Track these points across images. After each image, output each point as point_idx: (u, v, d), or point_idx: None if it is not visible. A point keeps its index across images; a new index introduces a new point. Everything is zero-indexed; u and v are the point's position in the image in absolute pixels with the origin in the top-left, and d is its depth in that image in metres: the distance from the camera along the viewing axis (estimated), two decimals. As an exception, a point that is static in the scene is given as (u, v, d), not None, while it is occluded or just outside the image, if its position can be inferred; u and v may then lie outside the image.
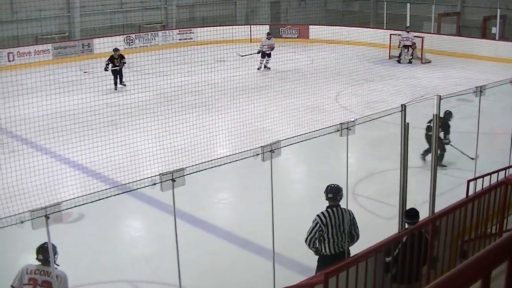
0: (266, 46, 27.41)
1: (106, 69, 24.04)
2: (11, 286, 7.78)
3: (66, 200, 6.62)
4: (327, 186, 8.88)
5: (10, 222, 6.14)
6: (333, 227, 8.62)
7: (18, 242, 10.78)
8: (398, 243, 7.60)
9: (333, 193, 8.80)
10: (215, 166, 7.43)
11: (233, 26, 32.59)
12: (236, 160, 7.60)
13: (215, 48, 26.41)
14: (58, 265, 7.56)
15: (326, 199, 8.84)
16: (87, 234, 11.77)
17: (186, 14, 38.28)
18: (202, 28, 35.04)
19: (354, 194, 13.08)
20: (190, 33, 35.70)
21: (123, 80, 24.65)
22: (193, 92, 20.39)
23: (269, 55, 27.58)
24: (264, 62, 27.57)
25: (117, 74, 24.47)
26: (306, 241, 8.71)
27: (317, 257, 8.92)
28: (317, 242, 8.70)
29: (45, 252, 7.44)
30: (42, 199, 11.00)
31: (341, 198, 8.83)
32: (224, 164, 7.51)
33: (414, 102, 9.62)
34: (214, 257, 10.94)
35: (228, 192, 14.63)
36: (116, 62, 24.33)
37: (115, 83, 24.36)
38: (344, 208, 8.79)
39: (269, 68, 27.55)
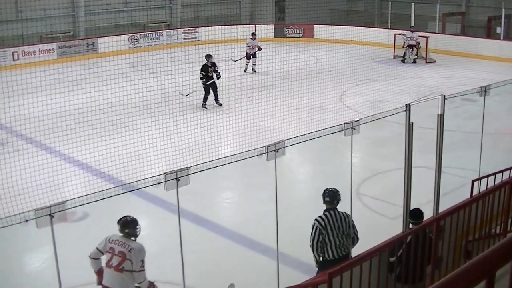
0: (251, 47, 27.01)
1: (205, 84, 20.77)
2: (96, 247, 8.29)
3: (71, 199, 6.63)
4: (324, 190, 8.87)
5: (14, 221, 6.15)
6: (333, 229, 8.60)
7: (22, 240, 10.80)
8: (402, 243, 7.60)
9: (330, 196, 8.79)
10: (219, 166, 7.43)
11: (238, 26, 32.60)
12: (241, 160, 7.60)
13: (220, 47, 26.41)
14: (134, 239, 8.13)
15: (323, 203, 8.83)
16: (91, 233, 11.76)
17: (191, 13, 38.30)
18: (206, 28, 35.05)
19: (358, 193, 13.08)
20: (194, 32, 35.72)
21: (218, 96, 21.03)
22: (198, 92, 20.41)
23: (254, 55, 27.13)
24: (250, 63, 27.15)
25: (211, 88, 20.96)
26: (312, 248, 8.71)
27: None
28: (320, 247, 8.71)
29: (122, 226, 8.14)
30: (47, 198, 11.01)
31: (338, 202, 8.82)
32: (229, 163, 7.51)
33: (418, 101, 9.64)
34: (218, 257, 10.96)
35: (232, 191, 14.64)
36: (209, 72, 20.90)
37: (205, 99, 20.86)
38: (341, 212, 8.78)
39: (255, 71, 27.05)
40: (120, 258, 8.02)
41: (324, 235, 8.57)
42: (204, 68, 20.91)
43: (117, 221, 8.17)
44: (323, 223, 8.59)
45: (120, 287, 8.05)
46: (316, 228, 8.60)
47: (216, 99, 20.93)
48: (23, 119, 16.42)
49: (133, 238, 8.12)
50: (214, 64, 21.07)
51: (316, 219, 8.68)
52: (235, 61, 25.40)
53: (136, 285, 8.09)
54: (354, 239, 8.88)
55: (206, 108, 20.64)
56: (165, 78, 20.95)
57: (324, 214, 8.72)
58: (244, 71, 26.69)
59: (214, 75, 20.88)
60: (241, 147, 14.35)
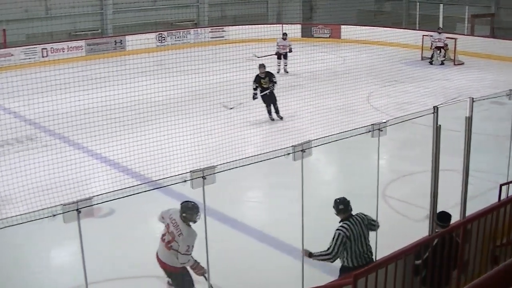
0: (282, 47, 26.86)
1: (255, 97, 19.47)
2: (161, 213, 9.17)
3: (98, 195, 6.67)
4: (335, 200, 8.70)
5: (42, 215, 6.20)
6: (356, 238, 8.45)
7: (49, 235, 10.89)
8: (428, 246, 7.55)
9: (344, 204, 8.61)
10: (246, 165, 7.43)
11: (265, 25, 32.62)
12: (268, 159, 7.60)
13: (247, 47, 26.41)
14: (189, 224, 8.63)
15: (338, 213, 8.65)
16: (117, 229, 11.86)
17: (218, 12, 38.44)
18: (233, 27, 35.15)
19: (385, 195, 13.03)
20: (221, 31, 35.80)
21: (279, 109, 19.54)
22: (224, 91, 20.42)
23: (285, 56, 26.94)
24: (282, 64, 27.01)
25: (269, 100, 19.49)
26: (330, 254, 8.50)
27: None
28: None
29: (181, 210, 8.69)
30: (74, 194, 11.11)
31: (351, 209, 8.70)
32: (255, 162, 7.51)
33: (446, 104, 9.56)
34: (243, 256, 10.96)
35: (258, 191, 14.64)
36: (263, 83, 19.43)
37: (269, 112, 19.49)
38: (357, 215, 8.67)
39: (288, 72, 26.88)
40: (170, 237, 8.68)
41: (348, 244, 8.46)
42: (257, 80, 19.56)
43: (181, 203, 8.74)
44: (348, 233, 8.40)
45: (168, 262, 8.79)
46: (342, 238, 8.38)
47: (277, 112, 19.54)
48: (52, 115, 16.57)
49: (190, 223, 8.59)
50: (269, 74, 19.62)
51: (340, 229, 8.47)
52: (258, 57, 25.26)
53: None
54: (375, 226, 8.79)
55: (273, 120, 19.45)
56: (192, 77, 20.98)
57: (345, 223, 8.52)
58: (277, 72, 26.06)
59: (271, 85, 19.38)
60: (268, 146, 14.34)
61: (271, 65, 24.86)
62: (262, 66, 19.71)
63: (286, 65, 26.93)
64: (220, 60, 21.71)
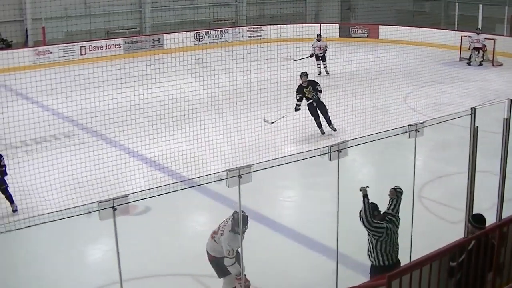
0: (317, 48, 26.45)
1: (297, 108, 17.68)
2: None
3: (133, 193, 6.73)
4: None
5: (78, 212, 6.28)
6: (390, 237, 8.42)
7: (84, 232, 11.00)
8: (463, 248, 7.48)
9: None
10: (282, 164, 7.45)
11: (303, 25, 32.55)
12: (304, 159, 7.61)
13: (284, 46, 26.36)
14: (233, 231, 8.69)
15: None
16: (152, 227, 11.92)
17: (256, 11, 38.50)
18: (271, 26, 35.16)
19: (420, 196, 12.93)
20: (259, 30, 35.84)
21: (331, 119, 17.84)
22: (261, 90, 20.42)
23: (323, 58, 26.49)
24: (321, 66, 26.61)
25: (316, 110, 17.84)
26: (365, 218, 8.39)
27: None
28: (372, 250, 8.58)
29: (232, 215, 8.81)
30: (110, 191, 11.20)
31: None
32: (291, 162, 7.52)
33: (484, 105, 9.48)
34: (277, 255, 10.95)
35: (293, 190, 14.62)
36: (307, 93, 17.73)
37: (319, 125, 17.81)
38: (389, 214, 8.65)
39: (328, 73, 26.39)
40: (216, 229, 9.05)
41: (384, 238, 8.42)
42: (300, 90, 17.88)
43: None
44: (388, 231, 8.35)
45: (208, 248, 9.19)
46: (383, 230, 8.34)
47: (329, 122, 17.83)
48: (89, 113, 16.76)
49: (238, 232, 8.45)
50: (311, 83, 17.93)
51: (383, 223, 8.43)
52: (295, 60, 25.12)
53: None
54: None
55: (324, 133, 17.70)
56: (229, 75, 21.03)
57: (388, 224, 8.50)
58: (319, 74, 25.84)
59: (314, 94, 17.70)
60: (304, 146, 14.34)
61: (311, 67, 24.77)
62: (304, 74, 17.98)
63: (326, 67, 26.65)
64: (258, 59, 21.72)
